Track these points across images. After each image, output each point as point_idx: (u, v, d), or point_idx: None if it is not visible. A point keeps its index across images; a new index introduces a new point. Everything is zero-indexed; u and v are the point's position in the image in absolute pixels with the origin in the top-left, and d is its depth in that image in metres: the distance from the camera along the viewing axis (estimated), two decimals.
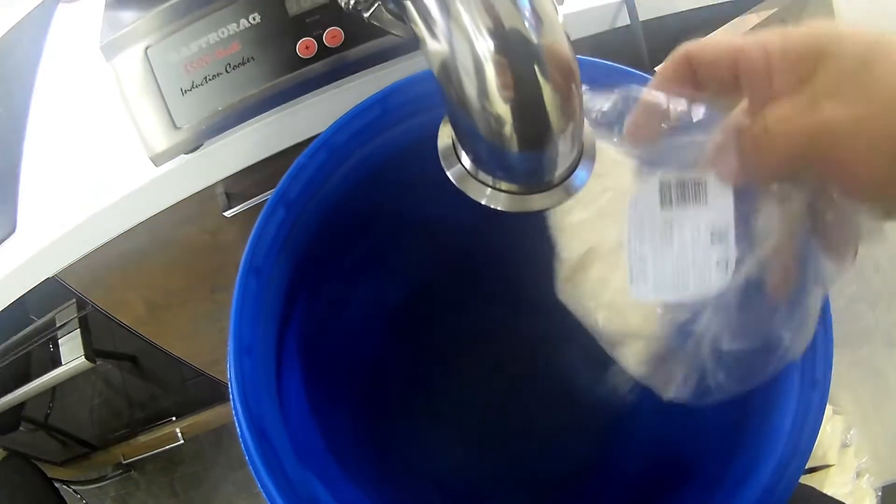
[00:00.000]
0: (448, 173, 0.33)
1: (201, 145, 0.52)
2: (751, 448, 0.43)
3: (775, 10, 0.82)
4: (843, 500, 1.01)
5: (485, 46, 0.28)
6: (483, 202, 0.32)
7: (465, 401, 0.67)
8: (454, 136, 0.33)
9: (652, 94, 0.30)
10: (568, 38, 0.30)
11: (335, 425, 0.54)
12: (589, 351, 0.65)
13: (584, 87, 0.32)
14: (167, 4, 0.46)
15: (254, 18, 0.46)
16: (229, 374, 0.37)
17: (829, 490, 1.05)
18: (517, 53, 0.28)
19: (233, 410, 0.39)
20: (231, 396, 0.38)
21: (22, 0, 0.85)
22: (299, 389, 0.49)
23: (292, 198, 0.40)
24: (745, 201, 0.30)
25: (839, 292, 1.05)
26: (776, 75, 0.26)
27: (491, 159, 0.32)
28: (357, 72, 0.50)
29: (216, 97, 0.48)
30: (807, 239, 0.29)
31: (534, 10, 0.28)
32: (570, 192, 0.33)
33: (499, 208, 0.32)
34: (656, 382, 0.36)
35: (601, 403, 0.65)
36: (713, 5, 0.78)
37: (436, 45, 0.30)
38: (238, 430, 0.38)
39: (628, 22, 0.66)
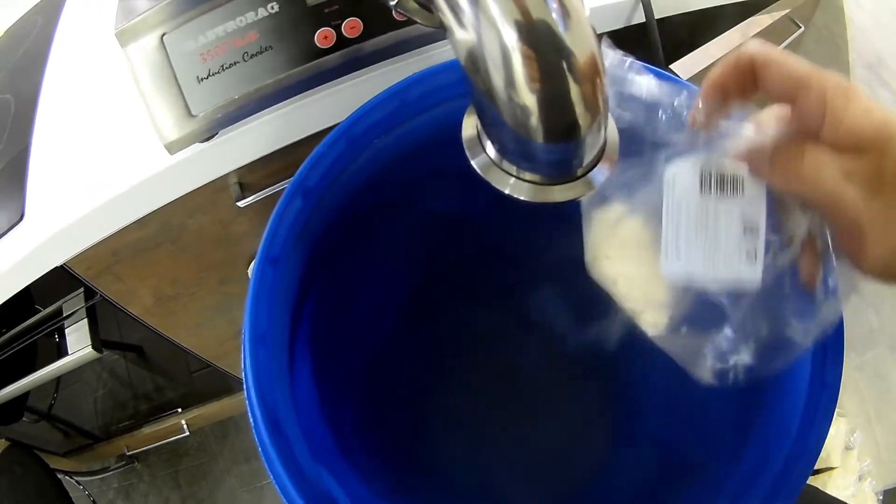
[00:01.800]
0: (472, 162, 0.33)
1: (216, 134, 0.51)
2: (758, 448, 0.43)
3: (787, 11, 0.83)
4: (846, 502, 1.02)
5: (513, 37, 0.28)
6: (507, 192, 0.32)
7: (474, 399, 0.67)
8: (479, 126, 0.34)
9: (711, 86, 0.31)
10: (594, 31, 0.30)
11: (343, 421, 0.54)
12: (599, 347, 0.66)
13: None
14: None
15: (272, 7, 0.46)
16: (244, 364, 0.37)
17: (832, 493, 1.05)
18: (545, 45, 0.28)
19: (247, 401, 0.38)
20: (245, 386, 0.38)
21: None
22: (310, 384, 0.49)
23: (310, 187, 0.40)
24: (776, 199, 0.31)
25: None
26: (827, 129, 0.26)
27: (516, 150, 0.32)
28: (375, 63, 0.50)
29: (232, 86, 0.48)
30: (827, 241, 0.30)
31: (561, 3, 0.28)
32: (591, 186, 0.33)
33: (521, 198, 0.32)
34: (678, 352, 0.36)
35: (609, 401, 0.66)
36: (726, 5, 0.78)
37: (464, 35, 0.30)
38: (252, 420, 0.38)
39: (643, 19, 0.66)
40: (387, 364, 0.64)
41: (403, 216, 0.54)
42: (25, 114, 0.65)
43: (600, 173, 0.33)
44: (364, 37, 0.47)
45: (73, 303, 0.74)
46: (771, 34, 0.80)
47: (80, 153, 0.58)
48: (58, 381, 1.03)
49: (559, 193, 0.33)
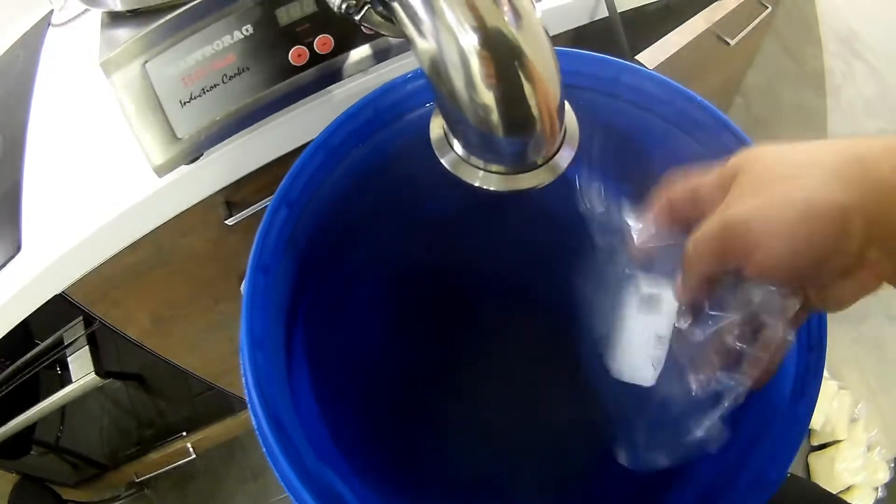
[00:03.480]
0: (442, 161, 0.36)
1: (201, 155, 0.53)
2: (754, 419, 0.44)
3: None
4: (854, 476, 1.03)
5: (469, 42, 0.31)
6: (476, 184, 0.35)
7: (473, 398, 0.68)
8: (445, 127, 0.36)
9: (648, 225, 0.35)
10: (546, 30, 0.33)
11: (343, 425, 0.55)
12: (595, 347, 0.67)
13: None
14: (163, 20, 0.47)
15: (246, 30, 0.48)
16: (243, 370, 0.39)
17: (841, 465, 1.07)
18: (499, 47, 0.31)
19: (248, 405, 0.40)
20: (247, 391, 0.40)
21: (13, 25, 0.87)
22: (308, 388, 0.50)
23: (294, 197, 0.42)
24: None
25: None
26: (716, 199, 0.31)
27: (481, 145, 0.35)
28: (349, 76, 0.52)
29: (214, 107, 0.49)
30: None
31: (512, 7, 0.31)
32: (555, 172, 0.36)
33: (491, 189, 0.35)
34: None
35: (609, 396, 0.67)
36: None
37: (424, 44, 0.33)
38: (255, 423, 0.39)
39: (606, 14, 0.68)
40: (383, 368, 0.65)
41: (387, 222, 0.55)
42: (14, 149, 0.67)
43: (562, 159, 0.36)
44: (336, 52, 0.50)
45: (74, 331, 0.75)
46: (738, 16, 0.82)
47: (71, 183, 0.60)
48: (63, 414, 1.03)
49: (525, 181, 0.35)
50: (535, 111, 0.33)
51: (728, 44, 0.82)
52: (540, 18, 0.32)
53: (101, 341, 0.81)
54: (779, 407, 0.42)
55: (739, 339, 0.33)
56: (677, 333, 0.38)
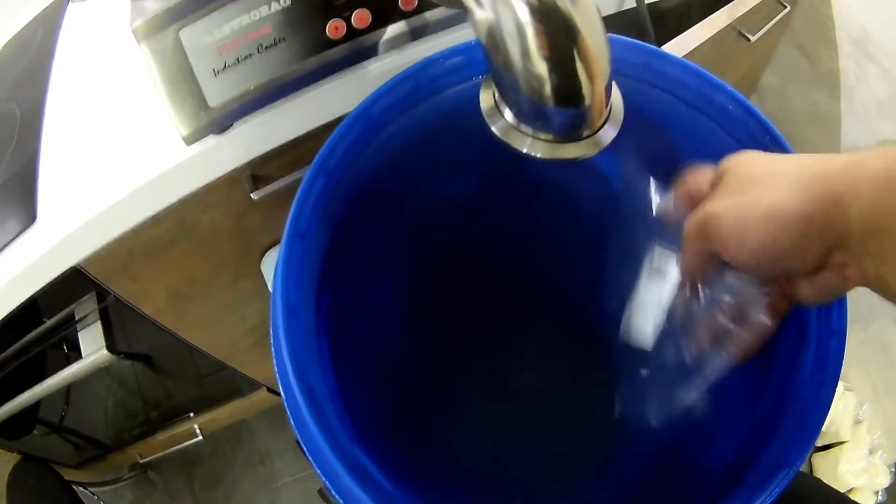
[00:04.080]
0: (493, 128, 0.37)
1: (231, 126, 0.53)
2: (774, 401, 0.44)
3: None
4: (857, 479, 1.03)
5: (525, 13, 0.32)
6: (525, 150, 0.37)
7: (484, 390, 0.68)
8: (496, 95, 0.36)
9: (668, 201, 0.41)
10: (598, 11, 0.34)
11: (359, 409, 0.55)
12: (605, 334, 0.67)
13: None
14: None
15: (284, 1, 0.48)
16: (276, 338, 0.38)
17: (844, 467, 1.07)
18: (554, 20, 0.32)
19: (279, 378, 0.39)
20: (278, 363, 0.39)
21: (34, 1, 0.86)
22: (328, 364, 0.50)
23: (331, 167, 0.41)
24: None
25: None
26: (708, 192, 0.36)
27: (532, 114, 0.36)
28: (384, 52, 0.52)
29: (248, 78, 0.49)
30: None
31: None
32: (599, 146, 0.37)
33: (538, 155, 0.37)
34: None
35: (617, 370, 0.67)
36: None
37: (482, 13, 0.34)
38: (285, 395, 0.39)
39: (634, 4, 0.68)
40: (399, 355, 0.65)
41: (416, 201, 0.55)
42: (32, 121, 0.66)
43: (606, 134, 0.37)
44: (373, 27, 0.50)
45: (86, 307, 0.75)
46: (758, 14, 0.83)
47: (93, 155, 0.59)
48: (68, 393, 1.03)
49: (571, 150, 0.37)
50: (585, 85, 0.34)
51: (749, 40, 0.82)
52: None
53: (112, 318, 0.81)
54: (799, 391, 0.42)
55: (729, 318, 0.38)
56: (679, 305, 0.42)
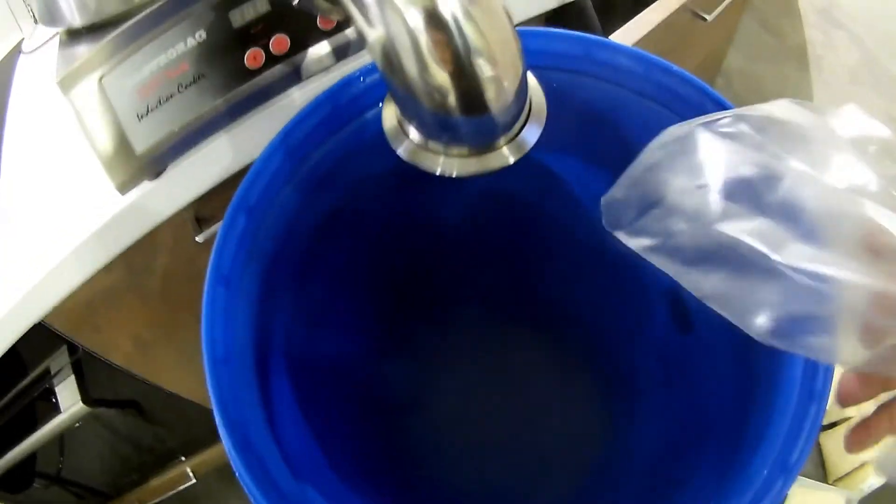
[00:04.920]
0: (398, 151, 0.34)
1: (164, 170, 0.52)
2: (763, 408, 0.42)
3: None
4: (866, 453, 1.00)
5: (416, 19, 0.29)
6: (438, 171, 0.33)
7: (467, 401, 0.67)
8: (399, 115, 0.34)
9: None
10: (504, 7, 0.31)
11: (333, 436, 0.53)
12: (589, 337, 0.65)
13: None
14: (115, 33, 0.46)
15: (199, 35, 0.46)
16: (208, 387, 0.37)
17: None
18: (450, 25, 0.29)
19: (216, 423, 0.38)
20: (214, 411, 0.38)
21: None
22: (291, 401, 0.49)
23: (252, 203, 0.40)
24: None
25: None
26: None
27: (438, 128, 0.33)
28: (309, 77, 0.50)
29: (172, 119, 0.48)
30: None
31: None
32: (520, 150, 0.34)
33: (454, 174, 0.33)
34: None
35: (606, 384, 0.66)
36: None
37: (369, 25, 0.31)
38: (224, 443, 0.38)
39: None
40: (371, 381, 0.63)
41: (361, 227, 0.54)
42: None
43: (528, 135, 0.34)
44: (293, 51, 0.48)
45: (59, 360, 0.74)
46: None
47: (41, 208, 0.58)
48: (62, 444, 1.02)
49: (490, 161, 0.34)
50: (491, 87, 0.31)
51: (705, 20, 0.80)
52: None
53: (88, 368, 0.80)
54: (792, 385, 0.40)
55: None
56: None
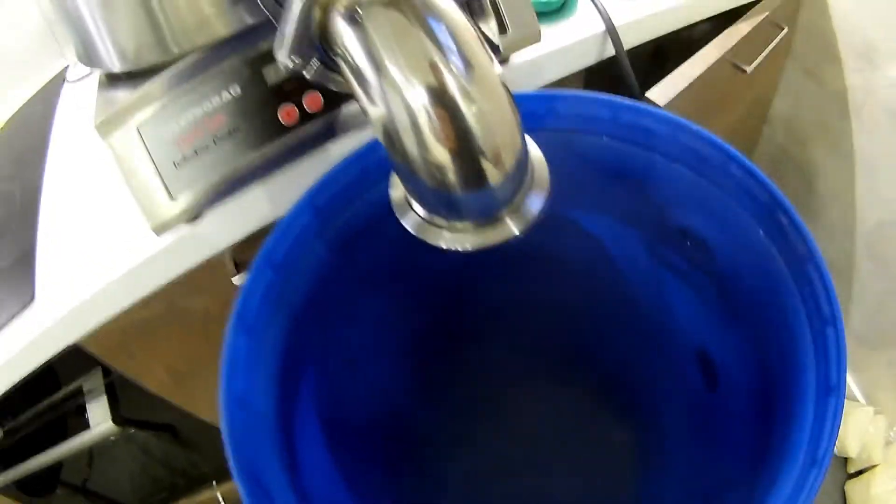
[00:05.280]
0: (404, 223, 0.35)
1: (200, 215, 0.53)
2: (775, 462, 0.42)
3: (766, 14, 0.81)
4: (890, 499, 0.98)
5: (416, 99, 0.30)
6: (444, 246, 0.34)
7: (503, 449, 0.68)
8: (405, 195, 0.35)
9: None
10: (503, 81, 0.31)
11: (363, 484, 0.54)
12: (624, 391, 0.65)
13: None
14: (153, 81, 0.48)
15: (234, 90, 0.48)
16: (221, 429, 0.38)
17: (878, 489, 1.02)
18: (448, 102, 0.30)
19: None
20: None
21: (34, 76, 0.89)
22: (319, 448, 0.49)
23: (279, 260, 0.41)
24: None
25: (866, 289, 1.02)
26: None
27: (440, 204, 0.33)
28: (343, 133, 0.52)
29: (208, 169, 0.50)
30: None
31: (463, 58, 0.30)
32: (526, 219, 0.34)
33: (459, 248, 0.34)
34: None
35: (632, 429, 0.66)
36: (698, 22, 0.78)
37: (372, 107, 0.32)
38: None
39: (613, 53, 0.67)
40: (408, 427, 0.64)
41: (394, 282, 0.55)
42: (30, 201, 0.68)
43: (532, 205, 0.34)
44: (326, 109, 0.49)
45: (93, 380, 0.77)
46: (754, 41, 0.79)
47: (83, 238, 0.61)
48: (91, 457, 1.05)
49: (494, 235, 0.34)
50: (493, 163, 0.31)
51: (745, 71, 0.78)
52: (496, 70, 0.31)
53: (125, 391, 0.82)
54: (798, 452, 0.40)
55: None
56: None
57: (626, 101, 0.48)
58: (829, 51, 0.95)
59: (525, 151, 0.34)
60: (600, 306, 0.64)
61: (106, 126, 0.49)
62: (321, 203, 0.43)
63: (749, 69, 0.78)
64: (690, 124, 0.47)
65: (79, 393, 0.78)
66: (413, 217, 0.35)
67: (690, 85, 0.69)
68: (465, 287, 0.62)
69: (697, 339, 0.56)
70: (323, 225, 0.44)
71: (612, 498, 0.63)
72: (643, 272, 0.57)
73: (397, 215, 0.36)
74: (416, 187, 0.33)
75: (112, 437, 0.82)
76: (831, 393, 0.39)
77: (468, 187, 0.31)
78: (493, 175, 0.31)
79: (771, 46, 0.83)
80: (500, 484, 0.65)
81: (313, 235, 0.43)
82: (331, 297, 0.49)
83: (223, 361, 0.39)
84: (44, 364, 0.62)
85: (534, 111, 0.40)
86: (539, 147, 0.37)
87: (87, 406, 0.78)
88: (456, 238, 0.34)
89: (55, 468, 0.96)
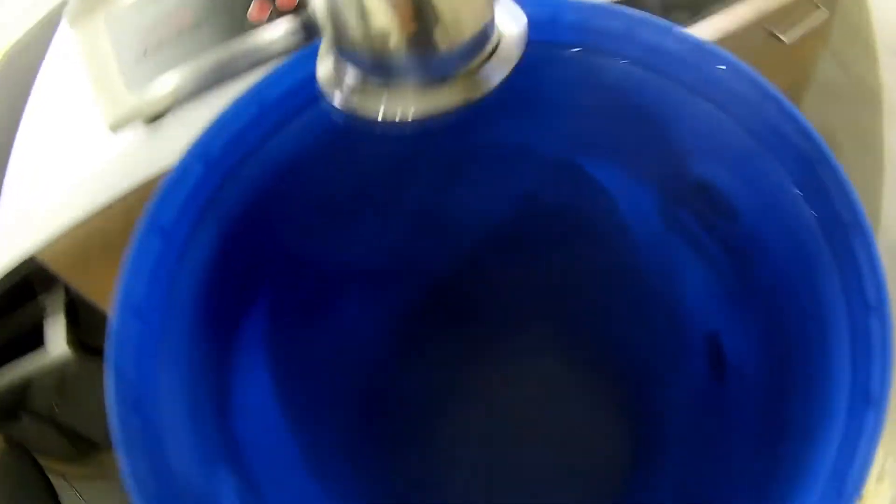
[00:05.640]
0: (334, 103, 0.30)
1: (161, 116, 0.50)
2: (784, 488, 0.36)
3: None
4: None
5: None
6: (381, 116, 0.29)
7: (488, 417, 0.63)
8: (335, 61, 0.31)
9: None
10: None
11: (320, 443, 0.50)
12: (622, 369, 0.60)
13: None
14: None
15: None
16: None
17: None
18: None
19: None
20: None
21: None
22: (270, 398, 0.46)
23: (214, 156, 0.37)
24: None
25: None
26: None
27: (378, 70, 0.29)
28: (315, 37, 0.48)
29: (169, 63, 0.46)
30: None
31: None
32: (481, 87, 0.29)
33: (398, 117, 0.29)
34: None
35: (621, 443, 0.60)
36: None
37: None
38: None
39: None
40: (383, 383, 0.60)
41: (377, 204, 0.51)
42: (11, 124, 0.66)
43: (495, 72, 0.30)
44: (301, 6, 0.46)
45: (54, 300, 0.74)
46: (791, 14, 0.71)
47: (52, 148, 0.58)
48: (62, 386, 1.03)
49: (442, 99, 0.29)
50: (449, 23, 0.27)
51: (782, 41, 0.71)
52: None
53: (88, 317, 0.79)
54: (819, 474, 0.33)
55: None
56: None
57: (643, 15, 0.40)
58: (865, 45, 0.89)
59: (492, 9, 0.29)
60: (606, 274, 0.57)
61: (74, 15, 0.48)
62: (272, 98, 0.39)
63: (787, 39, 0.70)
64: (723, 52, 0.39)
65: (37, 311, 0.75)
66: (343, 92, 0.30)
67: (720, 41, 0.63)
68: (458, 238, 0.58)
69: (708, 321, 0.50)
70: (276, 127, 0.40)
71: (603, 481, 0.58)
72: (653, 238, 0.50)
73: (325, 96, 0.31)
74: (355, 48, 0.28)
75: (72, 365, 0.79)
76: (870, 405, 0.32)
77: (414, 52, 0.27)
78: (448, 40, 0.27)
79: (809, 25, 0.74)
80: (479, 455, 0.61)
81: (262, 135, 0.39)
82: (285, 218, 0.45)
83: (125, 263, 0.34)
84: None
85: (535, 18, 0.34)
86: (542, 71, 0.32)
87: (44, 326, 0.75)
88: (394, 105, 0.29)
89: (18, 393, 0.93)
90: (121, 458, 0.33)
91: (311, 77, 0.40)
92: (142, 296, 0.36)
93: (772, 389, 0.42)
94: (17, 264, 0.59)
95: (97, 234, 0.59)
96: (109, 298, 0.68)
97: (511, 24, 0.32)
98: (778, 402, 0.40)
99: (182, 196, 0.36)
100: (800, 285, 0.37)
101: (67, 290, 0.76)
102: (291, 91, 0.39)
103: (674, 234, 0.49)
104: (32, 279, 0.63)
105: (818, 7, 0.75)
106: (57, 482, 1.08)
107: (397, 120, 0.29)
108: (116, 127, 0.49)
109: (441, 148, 0.44)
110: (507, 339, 0.64)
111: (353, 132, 0.41)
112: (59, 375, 0.95)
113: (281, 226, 0.46)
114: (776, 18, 0.69)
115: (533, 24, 0.40)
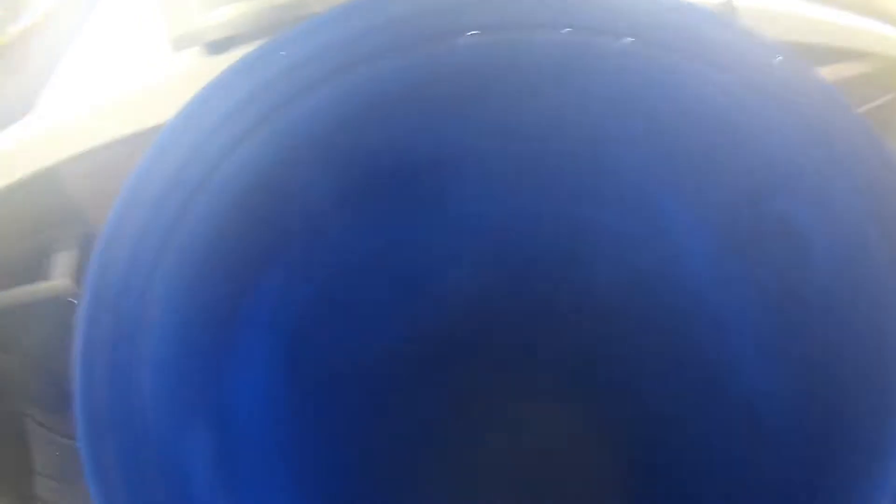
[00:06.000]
0: None
1: (226, 50, 0.48)
2: None
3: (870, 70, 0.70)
4: None
5: None
6: None
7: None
8: None
9: None
10: None
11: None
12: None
13: None
14: None
15: None
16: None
17: None
18: None
19: None
20: None
21: None
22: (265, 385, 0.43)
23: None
24: None
25: None
26: None
27: None
28: None
29: None
30: None
31: None
32: None
33: None
34: None
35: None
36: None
37: None
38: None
39: None
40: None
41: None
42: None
43: None
44: None
45: (69, 232, 0.71)
46: (852, 91, 0.65)
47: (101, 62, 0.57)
48: (58, 330, 1.00)
49: None
50: None
51: None
52: None
53: None
54: None
55: None
56: None
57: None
58: None
59: None
60: (644, 326, 0.51)
61: None
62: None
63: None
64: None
65: (53, 241, 0.72)
66: None
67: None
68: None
69: (747, 388, 0.44)
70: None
71: None
72: (709, 284, 0.44)
73: None
74: None
75: (74, 306, 0.75)
76: None
77: None
78: None
79: (870, 106, 0.68)
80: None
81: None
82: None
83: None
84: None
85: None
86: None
87: (51, 256, 0.72)
88: None
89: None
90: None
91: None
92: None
93: (809, 459, 0.37)
94: (39, 173, 0.56)
95: (125, 165, 0.57)
96: None
97: None
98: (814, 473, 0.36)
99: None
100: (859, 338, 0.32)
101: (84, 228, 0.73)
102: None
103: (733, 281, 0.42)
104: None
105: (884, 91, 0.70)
106: (40, 432, 1.05)
107: None
108: (179, 45, 0.47)
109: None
110: (524, 374, 0.59)
111: None
112: (58, 317, 0.92)
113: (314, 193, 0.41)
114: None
115: None
